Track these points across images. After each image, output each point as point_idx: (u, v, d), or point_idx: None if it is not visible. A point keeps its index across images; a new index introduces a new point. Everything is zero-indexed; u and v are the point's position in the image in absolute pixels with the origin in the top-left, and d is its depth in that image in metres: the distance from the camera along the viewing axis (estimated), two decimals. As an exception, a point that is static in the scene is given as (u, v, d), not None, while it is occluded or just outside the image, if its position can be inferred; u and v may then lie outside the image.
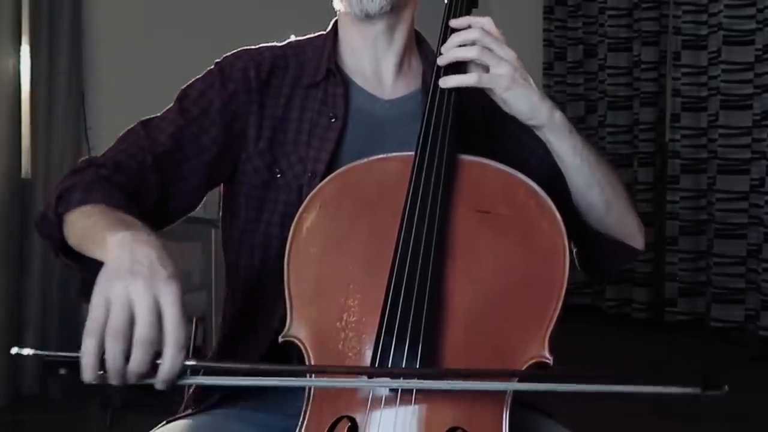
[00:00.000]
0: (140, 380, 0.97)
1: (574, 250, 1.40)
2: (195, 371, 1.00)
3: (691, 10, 4.74)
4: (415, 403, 1.07)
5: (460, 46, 1.24)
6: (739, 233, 4.57)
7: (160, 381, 0.97)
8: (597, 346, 4.36)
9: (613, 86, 5.14)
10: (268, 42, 1.41)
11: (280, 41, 1.42)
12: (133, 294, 0.95)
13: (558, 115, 1.25)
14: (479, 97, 1.28)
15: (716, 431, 3.37)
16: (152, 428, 1.27)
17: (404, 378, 1.06)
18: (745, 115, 4.53)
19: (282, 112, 1.34)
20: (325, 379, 1.09)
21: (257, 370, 1.07)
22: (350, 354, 1.11)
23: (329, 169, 1.28)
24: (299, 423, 1.09)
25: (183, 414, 1.30)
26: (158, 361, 0.96)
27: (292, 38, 1.43)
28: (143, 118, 1.31)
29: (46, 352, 0.99)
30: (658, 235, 4.99)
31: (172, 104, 1.33)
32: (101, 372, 0.96)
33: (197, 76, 1.36)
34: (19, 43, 3.64)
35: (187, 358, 0.97)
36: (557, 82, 5.43)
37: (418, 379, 1.06)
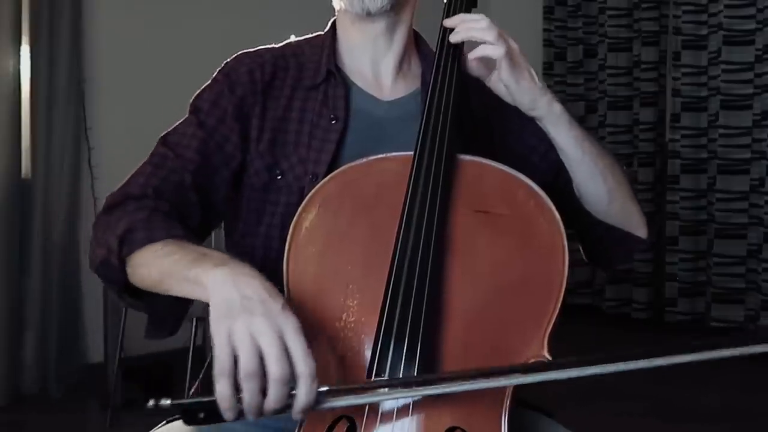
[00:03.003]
0: (279, 413, 0.99)
1: (580, 243, 1.41)
2: (329, 394, 1.00)
3: (691, 10, 4.73)
4: (414, 403, 1.07)
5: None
6: (739, 233, 4.57)
7: (297, 412, 0.99)
8: (597, 346, 4.36)
9: (613, 86, 5.14)
10: (268, 42, 1.41)
11: (279, 42, 1.42)
12: (257, 332, 0.97)
13: (557, 106, 1.26)
14: (480, 97, 1.28)
15: (716, 431, 3.37)
16: (152, 428, 1.27)
17: (403, 387, 1.06)
18: (745, 115, 4.53)
19: (282, 113, 1.34)
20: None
21: (378, 384, 1.07)
22: (349, 354, 1.11)
23: (330, 171, 1.27)
24: (298, 423, 1.09)
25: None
26: (293, 392, 0.98)
27: (292, 38, 1.43)
28: (160, 138, 1.31)
29: (185, 401, 1.00)
30: (658, 235, 4.99)
31: (185, 118, 1.33)
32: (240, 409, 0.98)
33: (204, 86, 1.35)
34: (19, 43, 3.64)
35: (319, 385, 0.98)
36: (557, 82, 5.42)
37: (416, 386, 1.06)
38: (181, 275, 1.08)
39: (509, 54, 1.22)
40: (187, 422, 1.01)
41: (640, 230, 1.38)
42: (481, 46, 1.23)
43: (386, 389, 1.06)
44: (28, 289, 3.68)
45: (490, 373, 1.05)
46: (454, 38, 1.25)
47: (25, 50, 3.66)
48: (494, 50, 1.22)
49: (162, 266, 1.11)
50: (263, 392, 0.97)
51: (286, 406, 0.99)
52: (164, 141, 1.30)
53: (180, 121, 1.33)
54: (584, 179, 1.31)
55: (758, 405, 3.58)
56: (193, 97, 1.35)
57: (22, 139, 3.66)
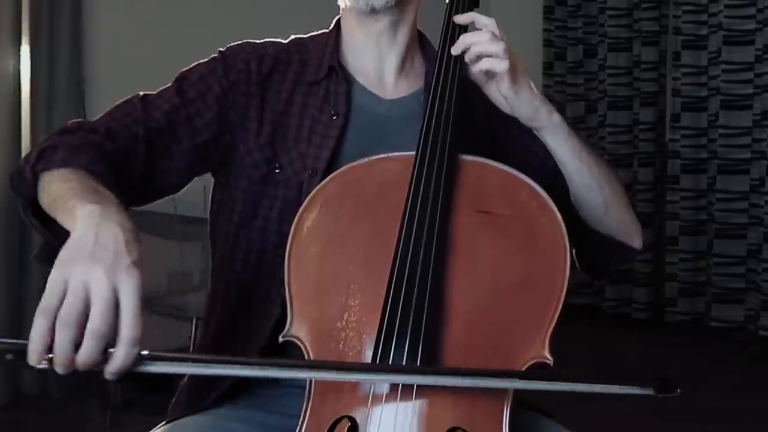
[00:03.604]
0: (87, 369, 0.93)
1: (574, 250, 1.41)
2: (149, 358, 0.95)
3: (691, 10, 4.73)
4: (415, 403, 1.07)
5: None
6: (739, 233, 4.56)
7: (108, 372, 0.94)
8: (597, 346, 4.36)
9: (613, 86, 5.14)
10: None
11: (284, 39, 1.42)
12: (92, 281, 0.91)
13: (557, 117, 1.28)
14: (481, 100, 1.28)
15: (716, 431, 3.37)
16: (152, 428, 1.27)
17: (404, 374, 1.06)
18: (745, 115, 4.53)
19: (283, 108, 1.34)
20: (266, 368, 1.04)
21: (206, 359, 1.03)
22: (351, 354, 1.11)
23: (329, 167, 1.28)
24: (299, 423, 1.09)
25: (183, 414, 1.30)
26: (110, 350, 0.92)
27: (293, 37, 1.44)
28: (142, 92, 1.32)
29: None
30: (658, 235, 4.99)
31: (170, 83, 1.33)
32: (49, 357, 0.92)
33: (200, 61, 1.36)
34: (19, 43, 3.63)
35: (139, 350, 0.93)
36: (557, 82, 5.42)
37: (417, 374, 1.06)
38: (64, 203, 1.04)
39: (512, 68, 1.23)
40: None
41: (635, 241, 1.39)
42: (485, 60, 1.24)
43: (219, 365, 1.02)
44: (28, 289, 3.68)
45: (475, 373, 1.05)
46: (456, 51, 1.25)
47: (25, 50, 3.65)
48: (498, 64, 1.23)
49: (58, 190, 1.08)
50: (77, 347, 0.91)
51: (99, 362, 0.93)
52: (142, 97, 1.31)
53: (164, 87, 1.34)
54: (581, 188, 1.31)
55: (758, 405, 3.58)
56: (184, 68, 1.35)
57: (22, 139, 3.65)
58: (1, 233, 3.56)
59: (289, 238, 1.17)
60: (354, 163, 1.22)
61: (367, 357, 1.09)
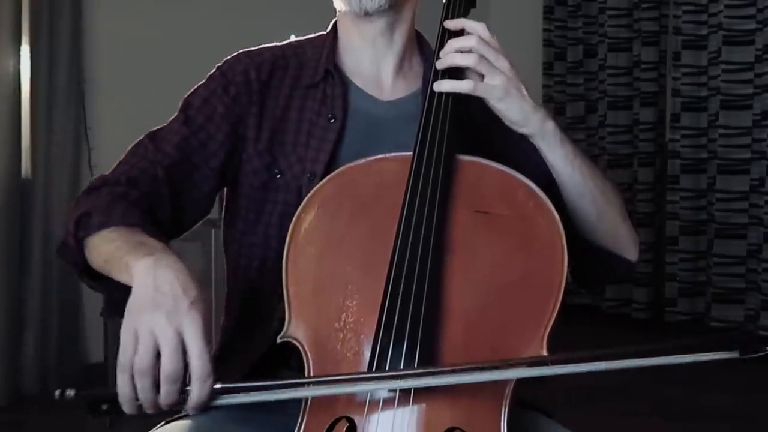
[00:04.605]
0: (174, 408, 1.02)
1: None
2: (224, 392, 1.03)
3: (691, 10, 4.73)
4: (413, 403, 1.07)
5: (457, 52, 1.24)
6: (739, 233, 4.57)
7: (190, 408, 1.02)
8: (597, 346, 4.36)
9: (613, 86, 5.14)
10: (268, 42, 1.41)
11: (281, 41, 1.42)
12: (156, 328, 0.99)
13: (550, 124, 1.26)
14: (478, 101, 1.28)
15: (716, 431, 3.37)
16: (152, 428, 1.27)
17: (401, 380, 1.06)
18: (745, 115, 4.53)
19: (281, 113, 1.34)
20: (335, 386, 1.08)
21: (279, 384, 1.09)
22: (348, 354, 1.11)
23: (328, 170, 1.28)
24: (298, 423, 1.09)
25: (182, 414, 1.30)
26: (188, 388, 1.00)
27: (292, 38, 1.44)
28: (151, 131, 1.32)
29: (89, 392, 1.04)
30: (658, 235, 4.99)
31: (177, 113, 1.34)
32: (138, 403, 1.01)
33: (200, 83, 1.36)
34: (19, 43, 3.63)
35: (214, 383, 1.01)
36: (557, 82, 5.42)
37: (415, 377, 1.06)
38: (118, 262, 1.10)
39: (497, 89, 1.22)
40: (92, 413, 1.04)
41: (630, 253, 1.36)
42: (453, 83, 1.23)
43: (291, 389, 1.09)
44: (28, 289, 3.68)
45: (490, 367, 1.05)
46: (440, 66, 1.25)
47: (25, 50, 3.66)
48: (465, 85, 1.22)
49: (107, 251, 1.13)
50: (158, 388, 1.00)
51: (180, 401, 1.01)
52: (152, 134, 1.32)
53: (172, 118, 1.34)
54: (573, 196, 1.30)
55: (758, 405, 3.58)
56: (187, 94, 1.35)
57: (22, 139, 3.66)
58: (1, 233, 3.57)
59: (287, 238, 1.17)
60: (351, 164, 1.22)
61: (365, 358, 1.09)
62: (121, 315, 1.21)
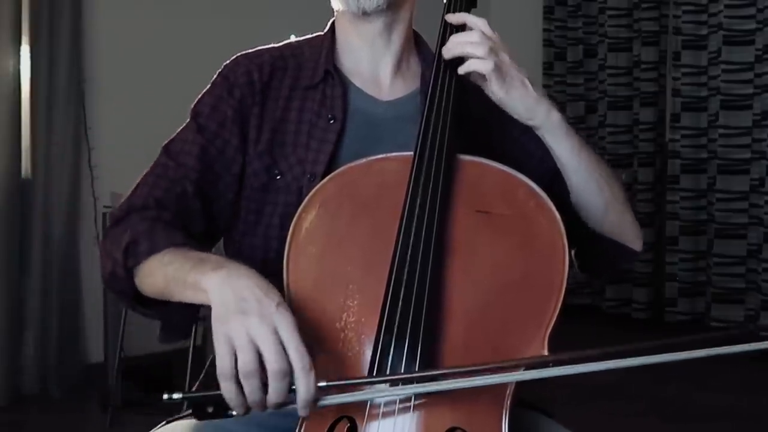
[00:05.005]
0: (282, 408, 1.03)
1: (573, 251, 1.41)
2: (328, 390, 1.04)
3: (691, 10, 4.73)
4: (414, 403, 1.07)
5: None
6: (739, 233, 4.57)
7: (300, 406, 1.02)
8: (597, 346, 4.36)
9: (613, 86, 5.14)
10: (268, 42, 1.41)
11: (279, 42, 1.42)
12: (253, 332, 1.00)
13: (556, 116, 1.27)
14: (479, 99, 1.28)
15: (716, 431, 3.37)
16: (152, 428, 1.28)
17: (403, 384, 1.06)
18: (745, 115, 4.53)
19: (281, 114, 1.34)
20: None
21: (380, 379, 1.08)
22: (349, 354, 1.11)
23: (328, 171, 1.28)
24: (299, 423, 1.09)
25: (183, 414, 1.31)
26: (293, 387, 1.01)
27: (292, 38, 1.43)
28: (163, 147, 1.32)
29: (196, 394, 1.05)
30: (658, 235, 4.99)
31: (186, 124, 1.33)
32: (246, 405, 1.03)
33: (203, 90, 1.36)
34: (19, 43, 3.63)
35: (317, 379, 1.01)
36: (557, 82, 5.42)
37: (416, 383, 1.06)
38: (182, 282, 1.10)
39: (498, 68, 1.22)
40: (197, 416, 1.05)
41: (635, 243, 1.38)
42: (469, 61, 1.23)
43: (387, 385, 1.07)
44: (28, 289, 3.68)
45: (495, 368, 1.05)
46: (447, 54, 1.25)
47: (25, 50, 3.65)
48: (482, 65, 1.22)
49: (165, 275, 1.13)
50: (265, 388, 1.01)
51: (289, 401, 1.02)
52: (166, 150, 1.31)
53: (181, 128, 1.34)
54: (580, 189, 1.31)
55: (758, 405, 3.58)
56: (193, 103, 1.35)
57: (22, 139, 3.66)
58: (1, 233, 3.56)
59: (288, 238, 1.17)
60: (352, 164, 1.22)
61: (366, 358, 1.09)
62: (181, 338, 1.25)
